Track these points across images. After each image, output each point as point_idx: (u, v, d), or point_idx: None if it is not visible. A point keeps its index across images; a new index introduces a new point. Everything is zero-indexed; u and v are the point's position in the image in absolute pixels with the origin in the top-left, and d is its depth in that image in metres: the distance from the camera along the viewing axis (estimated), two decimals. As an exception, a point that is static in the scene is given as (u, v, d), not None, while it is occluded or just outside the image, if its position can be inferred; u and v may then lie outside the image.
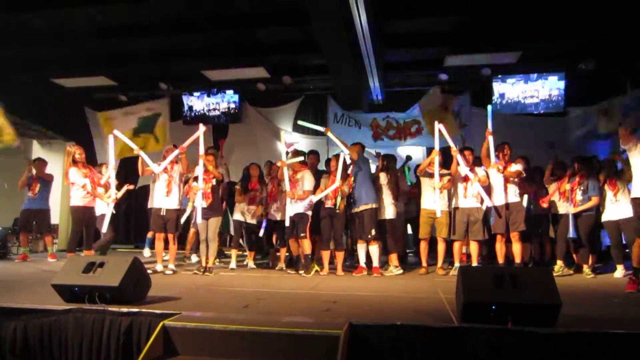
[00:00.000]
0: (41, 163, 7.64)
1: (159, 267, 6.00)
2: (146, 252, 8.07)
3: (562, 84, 8.40)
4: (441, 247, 6.18)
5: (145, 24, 7.49)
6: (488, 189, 5.94)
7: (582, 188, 5.86)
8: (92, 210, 6.45)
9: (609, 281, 5.59)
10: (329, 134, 6.35)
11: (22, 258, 7.33)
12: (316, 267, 6.16)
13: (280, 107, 9.76)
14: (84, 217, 6.34)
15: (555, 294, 3.00)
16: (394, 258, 6.03)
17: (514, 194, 5.85)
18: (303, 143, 9.37)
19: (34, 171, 7.47)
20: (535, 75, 8.51)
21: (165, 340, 3.05)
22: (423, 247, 6.28)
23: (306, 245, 5.99)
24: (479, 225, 5.91)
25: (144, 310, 3.28)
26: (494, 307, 2.97)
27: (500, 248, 5.88)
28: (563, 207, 6.14)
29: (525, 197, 6.27)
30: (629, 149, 4.72)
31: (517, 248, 5.78)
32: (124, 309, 3.26)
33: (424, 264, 6.21)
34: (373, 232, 5.83)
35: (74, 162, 6.27)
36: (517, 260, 5.81)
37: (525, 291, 3.02)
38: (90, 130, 10.17)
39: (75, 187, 6.33)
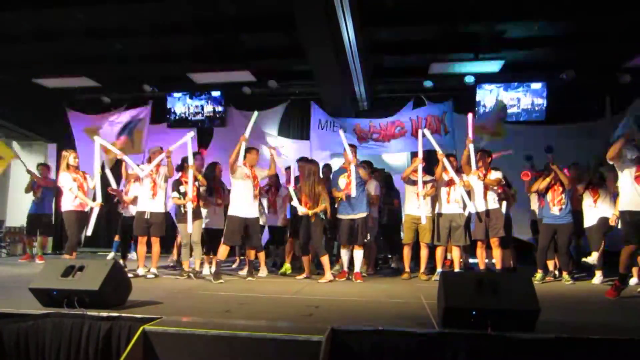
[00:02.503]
0: (45, 168, 7.99)
1: (140, 271, 5.95)
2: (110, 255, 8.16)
3: (544, 93, 8.54)
4: (424, 253, 6.24)
5: (130, 25, 7.43)
6: (469, 196, 6.03)
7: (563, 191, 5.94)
8: (84, 213, 6.33)
9: (588, 287, 5.69)
10: (341, 132, 6.42)
11: (26, 258, 7.86)
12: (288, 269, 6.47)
13: (266, 111, 9.73)
14: (78, 221, 6.23)
15: (534, 300, 3.04)
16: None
17: (493, 201, 5.95)
18: (288, 147, 9.37)
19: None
20: (516, 83, 8.64)
21: (145, 345, 3.00)
22: (406, 252, 6.32)
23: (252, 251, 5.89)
24: (461, 231, 5.99)
25: (124, 314, 3.24)
26: (474, 312, 3.00)
27: (480, 254, 5.98)
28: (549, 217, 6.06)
29: (504, 203, 6.36)
30: (615, 162, 4.82)
31: (497, 254, 5.88)
32: (104, 314, 3.22)
33: (407, 269, 6.26)
34: (369, 236, 6.01)
35: (67, 167, 6.18)
36: (498, 265, 5.90)
37: (505, 297, 3.06)
38: (73, 131, 10.04)
39: (65, 191, 6.22)
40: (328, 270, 5.80)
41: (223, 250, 5.73)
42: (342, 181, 6.00)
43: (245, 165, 5.82)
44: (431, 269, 6.42)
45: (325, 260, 5.83)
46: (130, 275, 5.76)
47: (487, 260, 6.27)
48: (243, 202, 5.77)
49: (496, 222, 5.87)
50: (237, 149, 5.77)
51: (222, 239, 5.73)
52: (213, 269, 6.51)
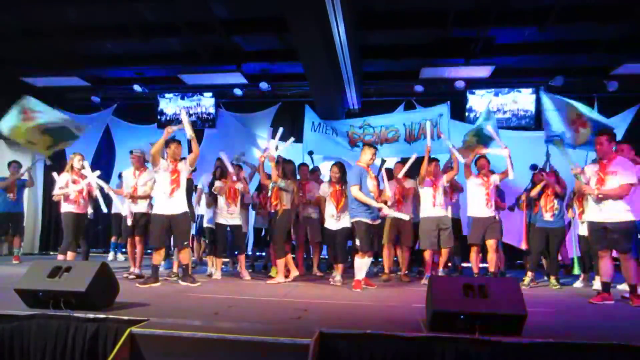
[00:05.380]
0: (16, 165, 7.87)
1: (134, 269, 6.07)
2: (116, 256, 8.52)
3: (533, 98, 8.60)
4: (405, 255, 6.36)
5: (121, 25, 7.39)
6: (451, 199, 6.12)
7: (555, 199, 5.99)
8: (83, 216, 6.21)
9: (574, 292, 5.74)
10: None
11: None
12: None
13: (257, 113, 9.73)
14: (76, 222, 6.06)
15: (522, 305, 3.07)
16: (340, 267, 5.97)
17: (492, 206, 5.98)
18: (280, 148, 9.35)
19: (26, 175, 7.81)
20: (507, 88, 8.70)
21: (132, 347, 2.99)
22: (386, 253, 6.37)
23: (183, 255, 5.45)
24: (449, 233, 6.07)
25: (110, 316, 3.22)
26: (462, 316, 3.02)
27: (475, 258, 6.01)
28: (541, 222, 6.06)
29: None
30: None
31: (492, 258, 5.93)
32: (90, 315, 3.19)
33: (387, 270, 6.31)
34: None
35: (70, 169, 6.09)
36: (492, 269, 5.96)
37: (492, 301, 3.08)
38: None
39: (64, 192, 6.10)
40: (281, 273, 5.86)
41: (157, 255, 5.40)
42: (370, 182, 5.41)
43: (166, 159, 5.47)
44: (420, 272, 6.48)
45: (281, 262, 5.86)
46: (125, 275, 5.89)
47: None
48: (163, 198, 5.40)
49: (494, 227, 5.95)
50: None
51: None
52: (215, 270, 6.44)
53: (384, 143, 8.89)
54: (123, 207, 6.07)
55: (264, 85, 8.91)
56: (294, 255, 7.37)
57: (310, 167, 7.47)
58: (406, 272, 6.40)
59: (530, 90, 8.66)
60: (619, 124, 7.99)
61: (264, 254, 7.85)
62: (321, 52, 6.65)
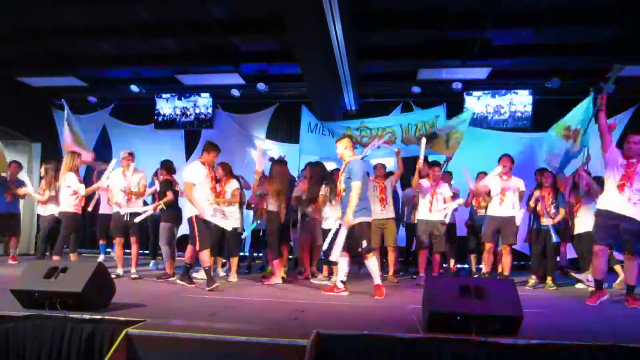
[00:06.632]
0: (16, 166, 7.86)
1: (119, 271, 6.03)
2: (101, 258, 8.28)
3: (530, 100, 8.63)
4: (391, 256, 6.40)
5: (118, 25, 7.37)
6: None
7: (552, 201, 6.01)
8: (79, 216, 6.17)
9: (571, 292, 5.76)
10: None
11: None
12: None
13: (254, 114, 9.73)
14: (76, 223, 6.08)
15: (518, 306, 3.08)
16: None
17: (510, 207, 5.96)
18: (276, 150, 9.35)
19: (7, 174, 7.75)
20: (503, 90, 8.73)
21: (128, 348, 2.98)
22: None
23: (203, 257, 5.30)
24: (441, 238, 6.21)
25: (107, 317, 3.21)
26: (458, 317, 3.02)
27: (487, 258, 6.04)
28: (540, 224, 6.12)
29: (524, 211, 6.36)
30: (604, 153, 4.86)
31: (506, 260, 5.92)
32: (86, 316, 3.18)
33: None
34: (364, 244, 5.01)
35: (73, 168, 6.04)
36: (506, 272, 5.93)
37: (489, 302, 3.09)
38: (57, 131, 9.97)
39: (67, 192, 5.96)
40: (278, 271, 5.84)
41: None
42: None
43: (205, 165, 5.45)
44: (415, 273, 6.50)
45: (276, 263, 5.84)
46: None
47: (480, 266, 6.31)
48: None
49: (509, 229, 5.92)
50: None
51: (199, 245, 5.18)
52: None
53: (380, 145, 8.90)
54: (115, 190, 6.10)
55: (261, 86, 8.91)
56: (291, 256, 7.40)
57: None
58: (393, 273, 6.43)
59: (527, 91, 8.68)
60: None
61: (261, 254, 7.83)
62: (319, 53, 6.66)
